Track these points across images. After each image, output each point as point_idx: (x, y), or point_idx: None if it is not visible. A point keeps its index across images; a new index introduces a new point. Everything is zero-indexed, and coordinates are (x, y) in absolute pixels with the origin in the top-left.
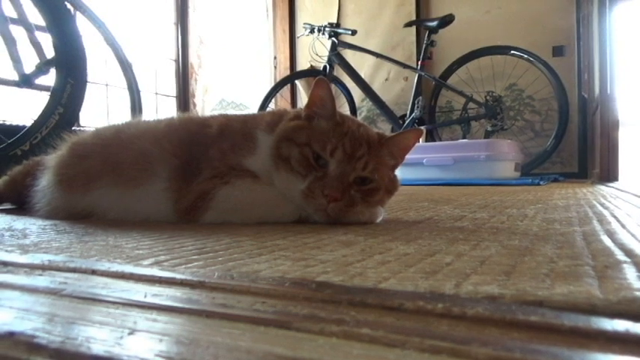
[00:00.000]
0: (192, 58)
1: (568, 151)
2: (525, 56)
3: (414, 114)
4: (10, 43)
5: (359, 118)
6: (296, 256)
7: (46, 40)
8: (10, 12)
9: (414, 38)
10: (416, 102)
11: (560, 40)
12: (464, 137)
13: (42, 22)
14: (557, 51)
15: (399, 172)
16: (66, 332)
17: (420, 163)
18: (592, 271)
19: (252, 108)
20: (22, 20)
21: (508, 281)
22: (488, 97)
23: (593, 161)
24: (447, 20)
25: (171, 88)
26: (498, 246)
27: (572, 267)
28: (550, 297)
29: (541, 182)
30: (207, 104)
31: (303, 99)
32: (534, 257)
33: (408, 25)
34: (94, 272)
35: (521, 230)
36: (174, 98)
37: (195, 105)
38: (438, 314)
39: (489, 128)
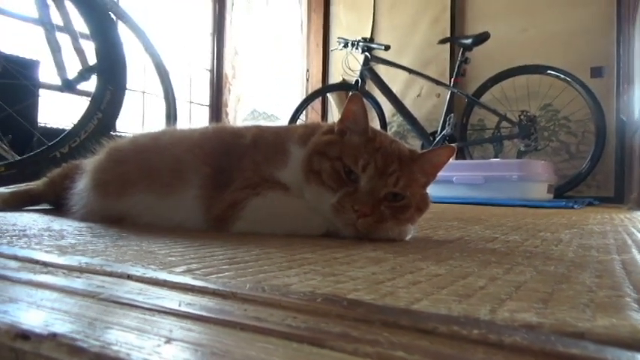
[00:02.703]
0: (227, 69)
1: (604, 174)
2: (562, 76)
3: (445, 131)
4: (56, 49)
5: (389, 133)
6: (326, 271)
7: (89, 48)
8: (56, 20)
9: (447, 55)
10: (447, 119)
11: (599, 61)
12: (496, 156)
13: (86, 30)
14: (596, 72)
15: (430, 190)
16: (105, 337)
17: (450, 180)
18: (635, 304)
19: (283, 119)
20: (67, 28)
21: (546, 309)
22: (522, 117)
23: (630, 185)
24: (482, 38)
25: (205, 97)
26: (533, 271)
27: (614, 298)
28: (591, 329)
29: (575, 206)
30: (239, 114)
31: (334, 112)
32: (572, 285)
33: (443, 42)
34: (129, 277)
35: (557, 256)
36: (208, 107)
37: (227, 114)
38: (473, 340)
39: (522, 148)
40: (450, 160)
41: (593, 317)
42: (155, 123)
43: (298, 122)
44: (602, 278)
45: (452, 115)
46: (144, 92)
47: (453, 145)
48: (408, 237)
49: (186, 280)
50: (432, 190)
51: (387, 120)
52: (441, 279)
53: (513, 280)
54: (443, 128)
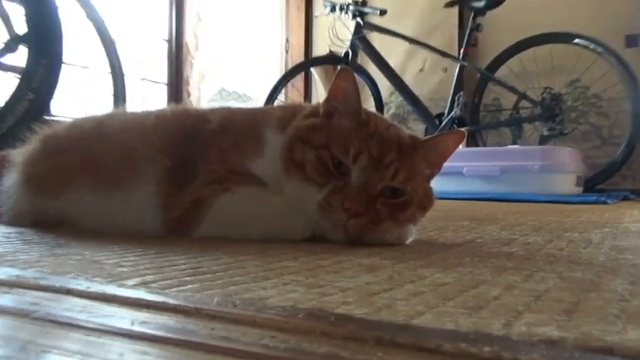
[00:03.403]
0: (188, 38)
1: None
2: (592, 46)
3: (453, 112)
4: None
5: (386, 115)
6: (310, 282)
7: (17, 13)
8: None
9: (456, 21)
10: (456, 98)
11: (635, 29)
12: (514, 143)
13: None
14: (631, 41)
15: (435, 184)
16: None
17: (460, 172)
18: None
19: (258, 100)
20: None
21: (570, 322)
22: (544, 95)
23: None
24: (497, 0)
25: (162, 74)
26: (556, 278)
27: None
28: (622, 343)
29: (608, 200)
30: (203, 94)
31: (319, 91)
32: (601, 294)
33: (450, 4)
34: (69, 292)
35: (585, 260)
36: (165, 86)
37: (189, 94)
38: (484, 359)
39: (545, 132)
40: (460, 147)
41: (624, 329)
42: (100, 105)
43: (276, 103)
44: (637, 285)
45: (461, 93)
46: (85, 67)
47: (462, 129)
48: (409, 240)
49: (140, 294)
50: (437, 184)
51: (384, 100)
52: (447, 289)
53: (533, 289)
54: (451, 109)
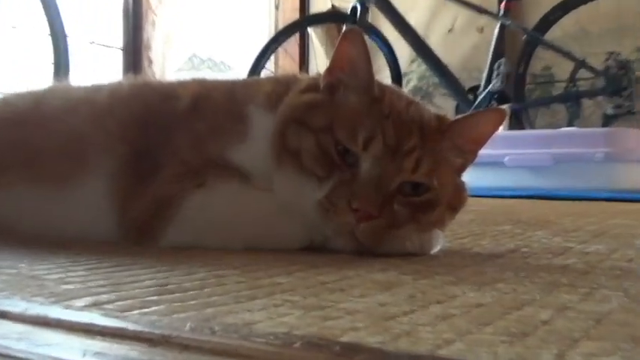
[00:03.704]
0: None
1: None
2: None
3: (491, 85)
4: None
5: (405, 89)
6: (308, 303)
7: None
8: None
9: None
10: (495, 67)
11: None
12: (570, 124)
13: None
14: None
15: (468, 177)
16: None
17: (500, 162)
18: None
19: (240, 70)
20: None
21: (638, 351)
22: (609, 63)
23: None
24: None
25: (117, 37)
26: (623, 297)
27: None
28: None
29: None
30: (170, 61)
31: (319, 58)
32: None
33: None
34: (2, 316)
35: None
36: (120, 51)
37: (151, 62)
38: None
39: (610, 111)
40: (500, 129)
41: None
42: (37, 77)
43: (263, 74)
44: None
45: (502, 60)
46: (14, 27)
47: (503, 107)
48: (435, 250)
49: (93, 318)
50: (471, 178)
51: (403, 70)
52: (483, 311)
53: (592, 311)
54: (488, 81)
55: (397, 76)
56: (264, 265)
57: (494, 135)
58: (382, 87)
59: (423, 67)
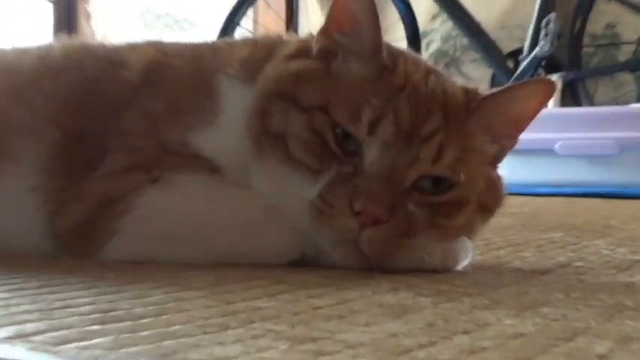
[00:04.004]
0: None
1: None
2: None
3: (538, 49)
4: None
5: (425, 54)
6: (297, 334)
7: None
8: None
9: None
10: (543, 25)
11: None
12: None
13: None
14: None
15: (506, 169)
16: None
17: (549, 150)
18: None
19: (208, 30)
20: None
21: None
22: None
23: None
24: None
25: None
26: None
27: None
28: None
29: None
30: (114, 17)
31: (310, 14)
32: None
33: None
34: None
35: None
36: (50, 4)
37: (89, 17)
38: None
39: None
40: (548, 106)
41: None
42: None
43: (238, 35)
44: None
45: (552, 16)
46: None
47: (552, 76)
48: (463, 264)
49: (17, 353)
50: (511, 170)
51: (422, 29)
52: (524, 342)
53: None
54: (534, 43)
55: (414, 37)
56: (240, 284)
57: (539, 114)
58: (394, 52)
59: (449, 24)
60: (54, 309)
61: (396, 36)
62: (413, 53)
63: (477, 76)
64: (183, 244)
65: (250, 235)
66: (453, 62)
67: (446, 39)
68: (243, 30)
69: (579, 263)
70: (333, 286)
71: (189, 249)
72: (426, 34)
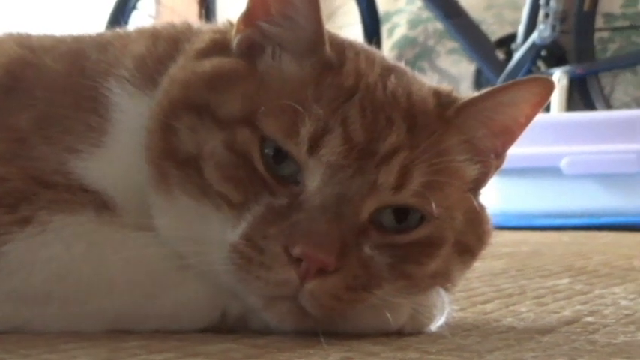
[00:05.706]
0: None
1: None
2: None
3: (536, 35)
4: None
5: (387, 45)
6: None
7: None
8: None
9: None
10: (542, 2)
11: None
12: None
13: None
14: None
15: (493, 194)
16: None
17: (553, 168)
18: None
19: (90, 17)
20: None
21: None
22: None
23: None
24: None
25: None
26: None
27: None
28: None
29: None
30: None
31: None
32: None
33: None
34: None
35: None
36: None
37: None
38: None
39: None
40: (551, 111)
41: None
42: None
43: (133, 23)
44: None
45: None
46: None
47: (555, 72)
48: (438, 323)
49: None
50: (501, 195)
51: (382, 10)
52: None
53: None
54: (531, 27)
55: (372, 23)
56: (139, 358)
57: (535, 122)
58: (340, 44)
59: (417, 3)
60: None
61: (345, 20)
62: (366, 46)
63: (456, 72)
64: (64, 307)
65: (153, 292)
66: (425, 54)
67: (414, 23)
68: (140, 14)
69: (590, 319)
70: (264, 358)
71: (71, 314)
72: (389, 16)
